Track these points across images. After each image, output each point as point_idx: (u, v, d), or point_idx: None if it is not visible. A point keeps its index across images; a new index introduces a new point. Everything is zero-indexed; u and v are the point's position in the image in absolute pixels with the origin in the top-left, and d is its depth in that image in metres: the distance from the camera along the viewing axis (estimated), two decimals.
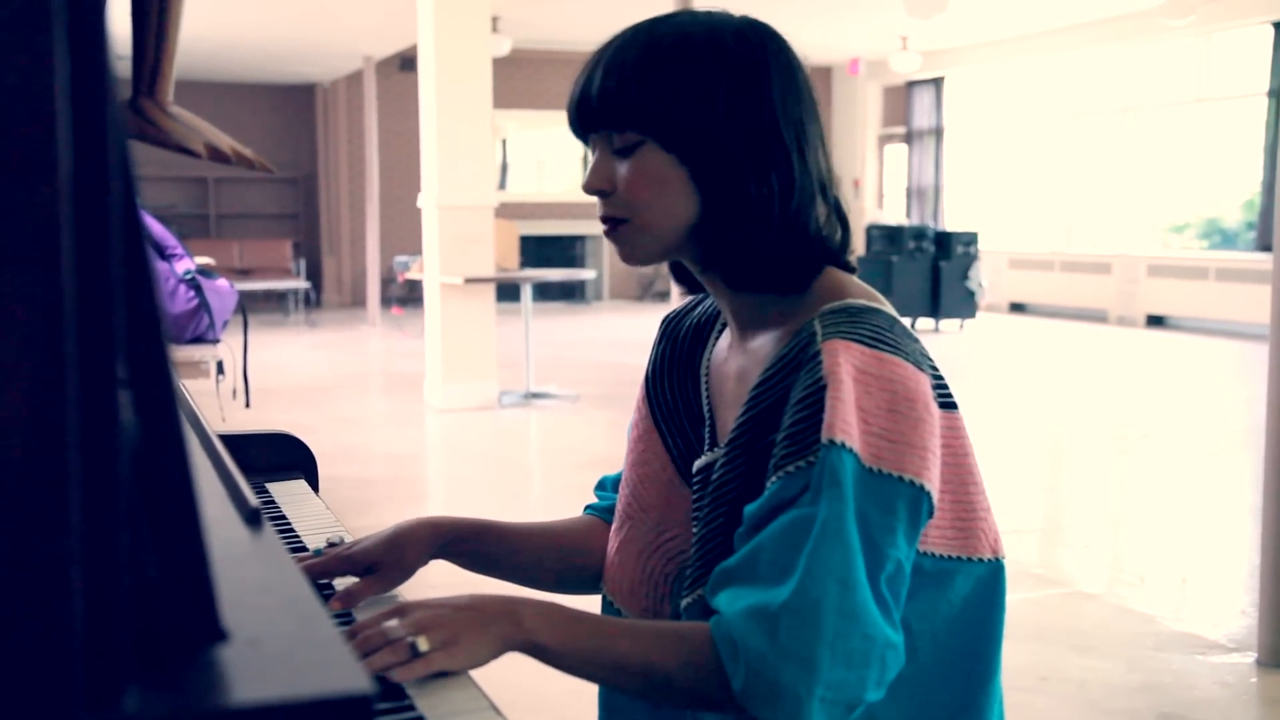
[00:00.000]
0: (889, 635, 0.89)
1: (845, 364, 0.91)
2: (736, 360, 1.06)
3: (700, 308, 1.17)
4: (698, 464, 1.06)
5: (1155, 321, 11.40)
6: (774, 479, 0.92)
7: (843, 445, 0.89)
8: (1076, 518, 4.62)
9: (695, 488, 1.05)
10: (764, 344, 1.03)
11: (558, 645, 0.92)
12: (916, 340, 0.98)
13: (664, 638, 0.94)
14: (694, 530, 1.03)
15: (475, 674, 0.89)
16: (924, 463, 0.92)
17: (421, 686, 0.85)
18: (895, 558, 0.90)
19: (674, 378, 1.13)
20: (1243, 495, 4.73)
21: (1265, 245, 10.10)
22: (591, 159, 1.03)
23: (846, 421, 0.89)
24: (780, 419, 0.94)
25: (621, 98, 0.98)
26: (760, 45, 1.00)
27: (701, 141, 0.98)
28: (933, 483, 0.92)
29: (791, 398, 0.93)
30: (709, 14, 1.01)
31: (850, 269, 1.05)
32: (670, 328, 1.17)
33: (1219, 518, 4.50)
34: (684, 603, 1.01)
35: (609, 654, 0.93)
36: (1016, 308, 12.92)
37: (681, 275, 1.12)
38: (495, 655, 0.91)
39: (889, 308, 1.01)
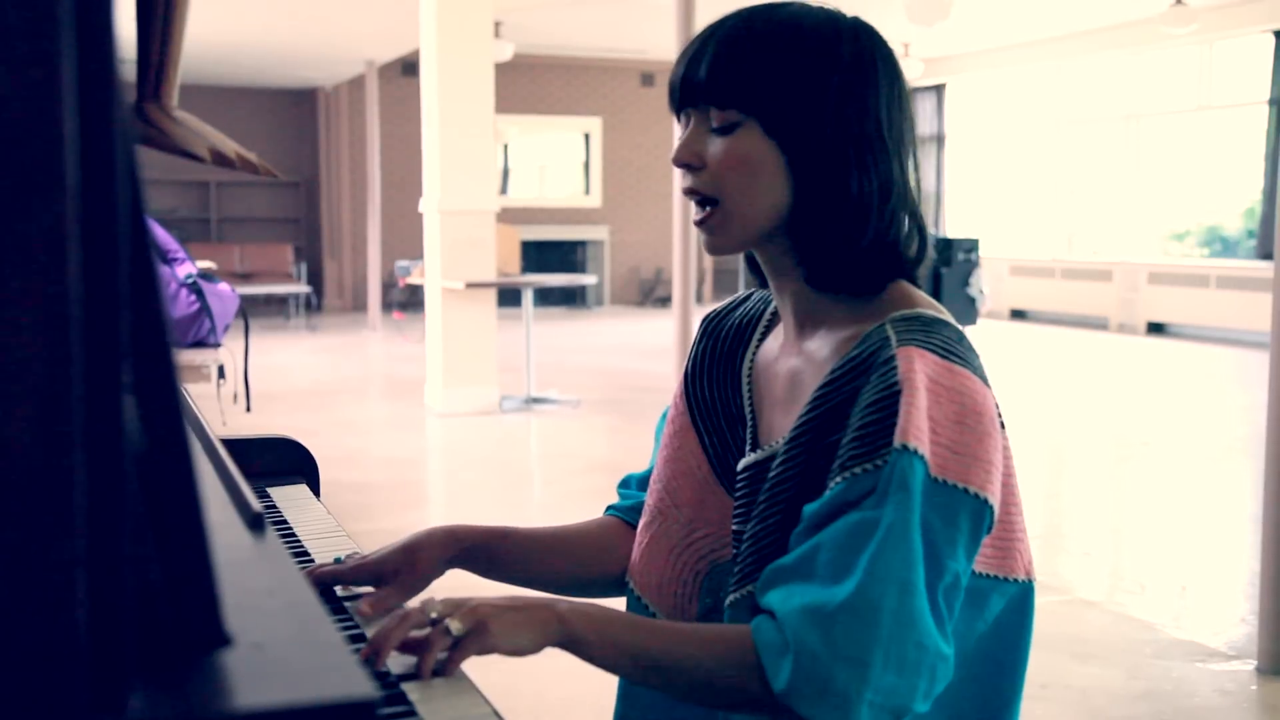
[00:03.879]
0: (941, 647, 0.89)
1: (920, 372, 0.91)
2: (789, 361, 1.06)
3: (742, 308, 1.16)
4: (742, 464, 1.05)
5: (1156, 329, 11.40)
6: (839, 479, 0.91)
7: (915, 451, 0.88)
8: (1077, 525, 4.62)
9: (739, 487, 1.05)
10: (822, 346, 1.02)
11: (595, 638, 0.93)
12: (978, 356, 0.98)
13: (703, 636, 0.95)
14: (736, 528, 1.03)
15: (476, 681, 0.90)
16: (988, 476, 0.91)
17: (424, 691, 0.86)
18: (954, 570, 0.90)
19: (714, 377, 1.13)
20: (1243, 503, 4.73)
21: (1266, 253, 10.11)
22: (682, 133, 1.03)
23: (919, 428, 0.89)
24: (846, 420, 0.93)
25: (733, 75, 0.98)
26: (871, 47, 1.00)
27: (807, 132, 0.97)
28: (995, 497, 0.92)
29: (861, 400, 0.92)
30: (822, 8, 1.01)
31: (915, 281, 1.04)
32: (711, 327, 1.17)
33: (1219, 525, 4.50)
34: (730, 599, 1.00)
35: (646, 650, 0.93)
36: (1017, 314, 12.91)
37: (756, 268, 1.11)
38: (535, 645, 0.92)
39: (955, 321, 1.01)
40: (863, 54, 0.99)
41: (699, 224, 1.03)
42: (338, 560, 1.12)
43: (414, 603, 1.06)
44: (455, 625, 0.89)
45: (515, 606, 0.92)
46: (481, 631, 0.90)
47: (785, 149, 0.98)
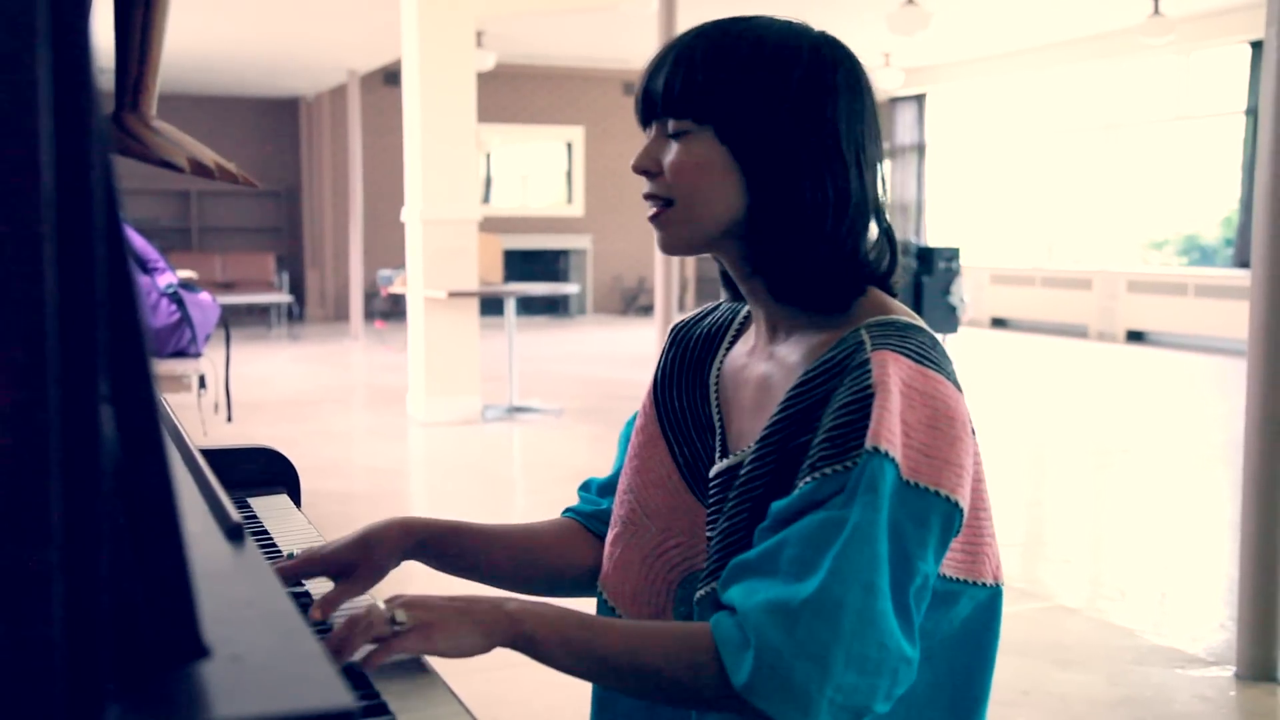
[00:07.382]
0: (904, 648, 0.89)
1: (894, 376, 0.92)
2: (760, 366, 1.06)
3: (710, 317, 1.17)
4: (715, 470, 1.06)
5: (1135, 337, 11.47)
6: (808, 479, 0.92)
7: (886, 454, 0.89)
8: (1057, 532, 4.64)
9: (712, 494, 1.05)
10: (793, 351, 1.03)
11: (547, 637, 0.92)
12: (951, 362, 0.99)
13: (657, 633, 0.95)
14: (709, 534, 1.03)
15: (460, 691, 0.89)
16: (959, 480, 0.92)
17: (405, 702, 0.85)
18: (924, 571, 0.91)
19: (683, 385, 1.13)
20: (1221, 510, 4.76)
21: (1243, 262, 10.19)
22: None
23: (891, 431, 0.90)
24: (817, 422, 0.94)
25: (685, 85, 0.99)
26: (833, 61, 1.00)
27: (759, 138, 0.98)
28: (965, 500, 0.93)
29: (834, 401, 0.93)
30: (788, 23, 1.02)
31: (892, 293, 1.05)
32: (680, 336, 1.18)
33: (1198, 532, 4.53)
34: (698, 594, 1.01)
35: (599, 647, 0.93)
36: (998, 323, 12.97)
37: (729, 282, 1.12)
38: (481, 646, 0.92)
39: (929, 328, 1.01)
40: (821, 65, 0.99)
41: (652, 219, 1.04)
42: (290, 556, 1.11)
43: (364, 601, 1.06)
44: (400, 616, 0.89)
45: (462, 608, 0.92)
46: (425, 630, 0.90)
47: (738, 155, 0.99)
